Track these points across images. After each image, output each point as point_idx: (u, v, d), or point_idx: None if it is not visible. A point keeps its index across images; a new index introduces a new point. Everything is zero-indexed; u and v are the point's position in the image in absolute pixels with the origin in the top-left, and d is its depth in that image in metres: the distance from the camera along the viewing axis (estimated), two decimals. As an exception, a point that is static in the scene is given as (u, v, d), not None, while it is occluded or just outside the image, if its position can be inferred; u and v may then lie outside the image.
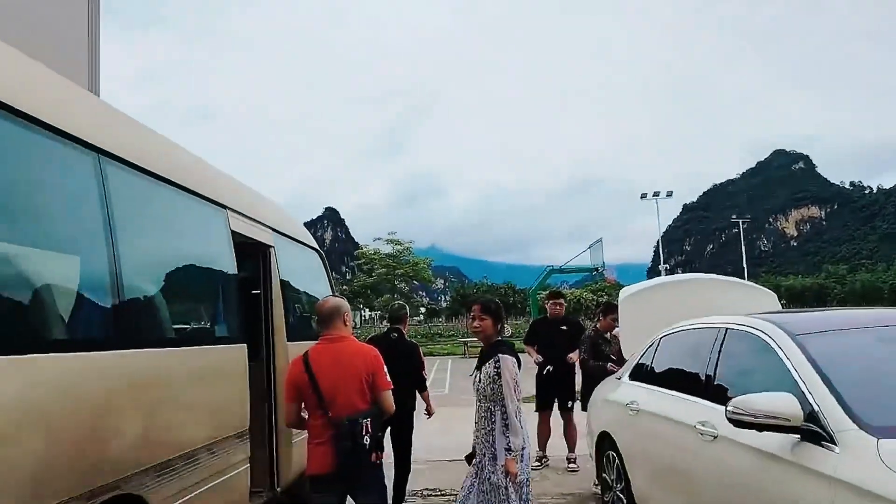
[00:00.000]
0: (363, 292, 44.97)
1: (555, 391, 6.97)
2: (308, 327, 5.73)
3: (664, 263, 35.74)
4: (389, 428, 4.97)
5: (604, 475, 4.88)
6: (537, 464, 6.68)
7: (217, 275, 4.14)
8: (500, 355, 3.53)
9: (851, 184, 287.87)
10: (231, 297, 4.16)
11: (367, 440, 3.12)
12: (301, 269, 6.02)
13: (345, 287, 47.53)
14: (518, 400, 3.51)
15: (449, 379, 17.51)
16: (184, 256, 3.72)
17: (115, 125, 3.24)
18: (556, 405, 7.01)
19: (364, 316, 55.55)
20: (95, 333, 2.80)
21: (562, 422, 7.00)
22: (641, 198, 35.19)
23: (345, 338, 3.37)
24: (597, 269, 23.29)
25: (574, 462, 6.82)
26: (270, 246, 5.03)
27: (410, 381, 5.13)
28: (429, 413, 5.47)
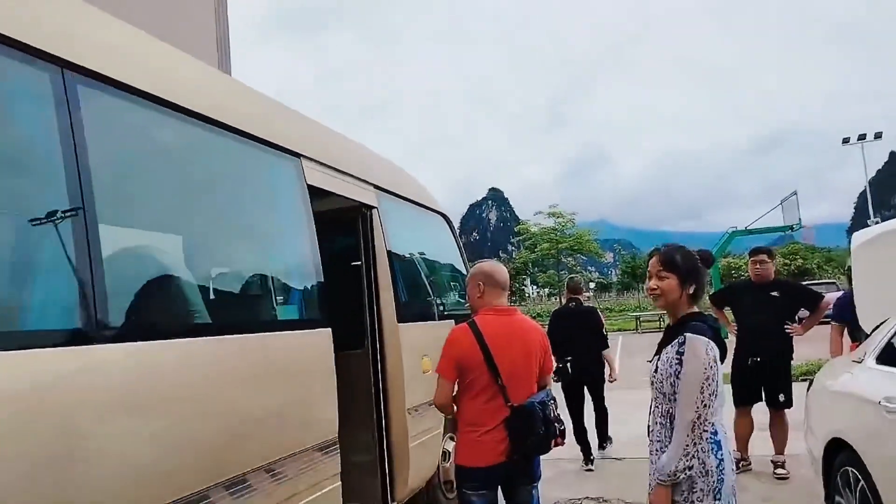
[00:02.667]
0: (525, 268, 43.86)
1: (758, 382, 5.24)
2: (428, 306, 4.78)
3: (874, 217, 29.99)
4: (586, 389, 6.09)
5: (838, 499, 3.37)
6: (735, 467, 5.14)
7: (282, 241, 3.28)
8: (687, 335, 2.30)
9: None
10: (306, 269, 3.28)
11: (556, 426, 2.84)
12: (418, 236, 5.08)
13: (509, 265, 46.78)
14: (703, 406, 2.23)
15: (618, 358, 15.89)
16: (227, 217, 2.87)
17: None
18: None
19: (529, 292, 54.48)
20: (90, 324, 2.01)
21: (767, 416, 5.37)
22: (843, 143, 29.78)
23: (515, 311, 3.03)
24: (792, 228, 19.91)
25: (783, 466, 5.20)
26: (373, 206, 4.12)
27: (591, 341, 6.02)
28: (612, 377, 6.23)
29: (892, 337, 3.16)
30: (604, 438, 6.24)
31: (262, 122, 3.12)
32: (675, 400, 2.30)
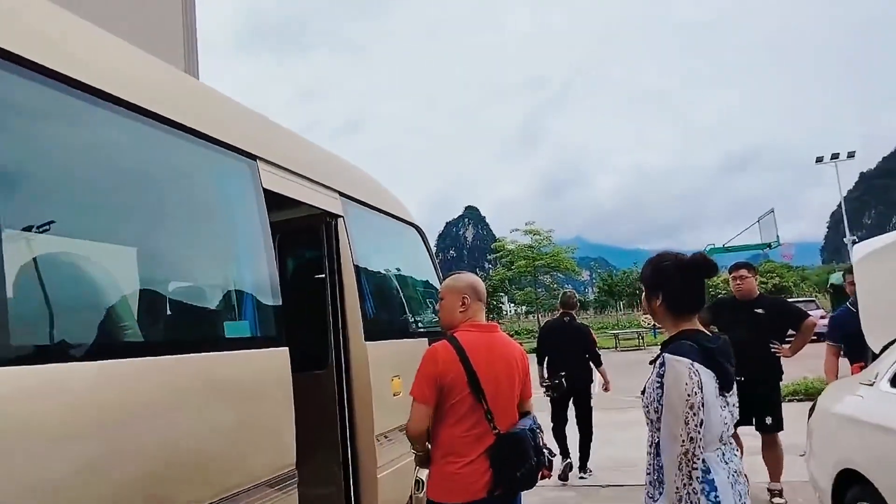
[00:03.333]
0: (502, 286, 43.61)
1: (743, 403, 4.94)
2: (400, 322, 4.43)
3: (850, 235, 30.31)
4: (572, 399, 6.15)
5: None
6: None
7: (233, 250, 2.93)
8: (665, 356, 2.02)
9: None
10: (260, 282, 2.92)
11: (545, 455, 2.60)
12: (389, 248, 4.75)
13: (486, 283, 46.36)
14: (689, 440, 1.90)
15: (598, 377, 15.59)
16: (164, 222, 2.50)
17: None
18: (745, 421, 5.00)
19: (506, 310, 54.14)
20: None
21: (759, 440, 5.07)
22: (817, 162, 30.00)
23: (497, 327, 2.77)
24: (769, 245, 19.92)
25: (780, 495, 4.91)
26: (338, 215, 3.78)
27: (586, 357, 6.16)
28: (606, 388, 6.37)
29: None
30: (585, 458, 6.05)
31: (211, 118, 2.79)
32: (660, 430, 2.01)
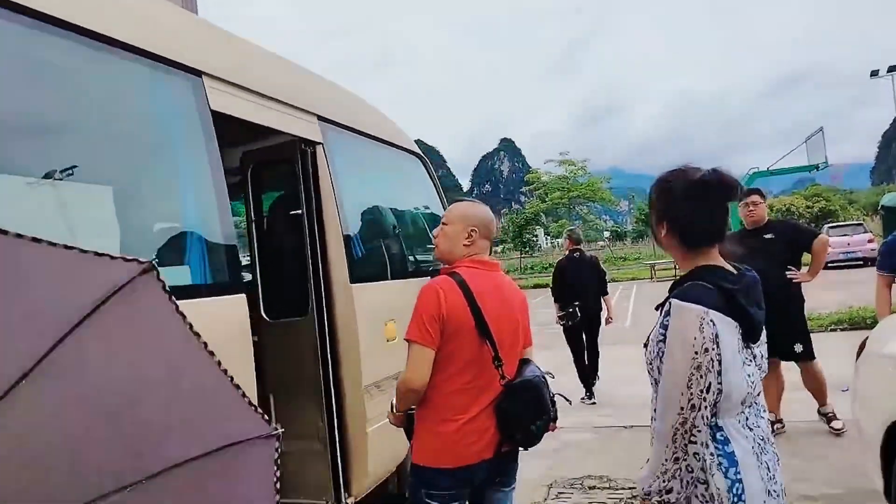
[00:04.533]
0: (536, 218, 42.86)
1: (769, 336, 4.55)
2: (396, 261, 4.02)
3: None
4: (583, 332, 6.60)
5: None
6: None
7: (170, 184, 2.52)
8: (672, 302, 1.57)
9: None
10: (206, 221, 2.52)
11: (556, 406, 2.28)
12: (383, 180, 4.30)
13: (520, 215, 45.56)
14: (690, 407, 1.51)
15: (632, 307, 15.17)
16: (84, 151, 2.11)
17: None
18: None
19: (541, 242, 53.35)
20: None
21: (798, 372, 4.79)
22: (872, 75, 28.22)
23: (499, 266, 2.37)
24: (817, 167, 18.74)
25: (833, 417, 4.68)
26: (316, 142, 3.35)
27: (596, 287, 6.62)
28: (608, 319, 6.86)
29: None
30: (594, 374, 6.68)
31: (137, 26, 2.33)
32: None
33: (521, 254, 44.37)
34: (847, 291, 11.55)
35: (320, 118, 3.44)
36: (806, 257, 4.79)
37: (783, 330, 4.44)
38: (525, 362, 2.32)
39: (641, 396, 5.90)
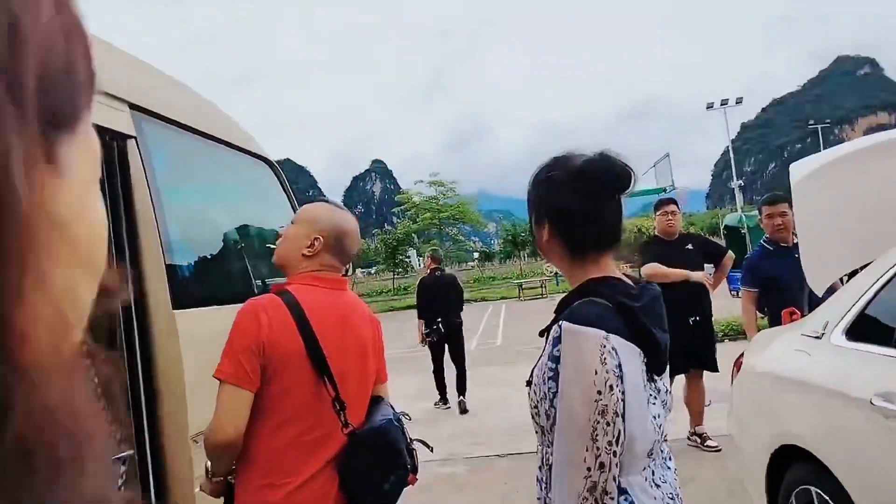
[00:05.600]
0: (408, 239, 42.85)
1: (700, 347, 4.53)
2: (235, 282, 3.44)
3: (737, 180, 32.23)
4: (447, 345, 6.96)
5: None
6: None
7: None
8: (562, 325, 1.17)
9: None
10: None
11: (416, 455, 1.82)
12: (220, 187, 3.71)
13: (392, 236, 45.31)
14: (598, 466, 1.11)
15: (502, 326, 15.23)
16: None
17: None
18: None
19: (414, 264, 53.46)
20: None
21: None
22: (707, 108, 31.32)
23: (345, 284, 1.87)
24: (665, 190, 20.25)
25: (706, 438, 4.62)
26: (128, 136, 2.72)
27: (457, 304, 7.05)
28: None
29: (859, 305, 2.24)
30: (463, 390, 6.87)
31: None
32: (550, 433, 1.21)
33: (395, 275, 44.14)
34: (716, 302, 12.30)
35: (134, 107, 2.82)
36: None
37: (705, 339, 4.58)
38: (376, 401, 1.87)
39: (512, 421, 5.72)
